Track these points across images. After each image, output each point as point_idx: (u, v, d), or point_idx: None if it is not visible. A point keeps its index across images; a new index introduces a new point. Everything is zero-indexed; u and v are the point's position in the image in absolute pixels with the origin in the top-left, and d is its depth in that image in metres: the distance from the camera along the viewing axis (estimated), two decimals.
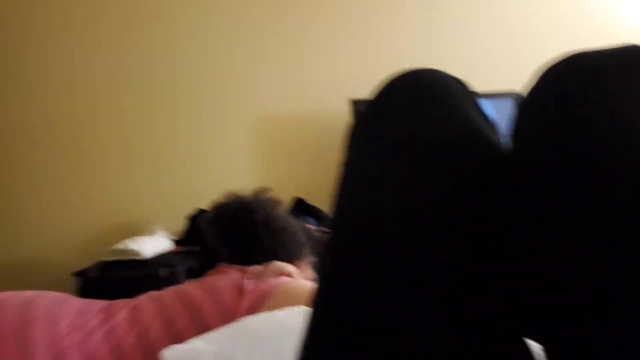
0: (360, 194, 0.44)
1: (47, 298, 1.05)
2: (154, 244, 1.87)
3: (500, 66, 2.25)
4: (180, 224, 2.08)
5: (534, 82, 0.43)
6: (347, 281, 0.40)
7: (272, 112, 2.28)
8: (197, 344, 0.92)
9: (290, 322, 0.97)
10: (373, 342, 0.36)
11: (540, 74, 0.43)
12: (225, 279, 1.11)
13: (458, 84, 0.49)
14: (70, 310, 1.02)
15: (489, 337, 0.35)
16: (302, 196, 2.08)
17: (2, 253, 2.19)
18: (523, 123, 0.43)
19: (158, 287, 1.16)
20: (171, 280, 1.67)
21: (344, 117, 2.08)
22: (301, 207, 1.96)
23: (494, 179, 0.42)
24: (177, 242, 2.00)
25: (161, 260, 1.83)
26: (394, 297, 0.37)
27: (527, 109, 0.43)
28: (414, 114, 0.46)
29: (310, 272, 1.32)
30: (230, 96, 2.27)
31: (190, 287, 1.10)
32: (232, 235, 1.27)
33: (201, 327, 1.01)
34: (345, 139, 0.52)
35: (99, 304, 1.08)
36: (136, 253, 1.79)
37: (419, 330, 0.35)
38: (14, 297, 1.03)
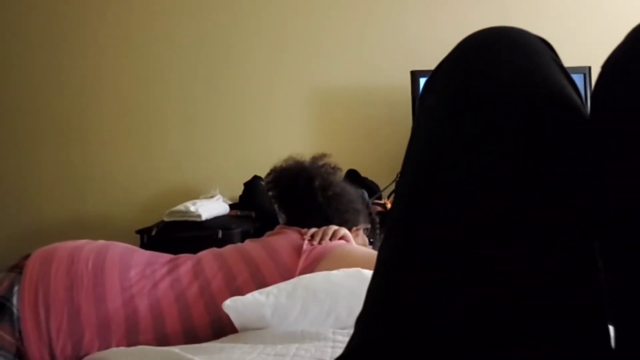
0: (439, 148, 0.44)
1: (120, 247, 1.12)
2: (212, 207, 1.94)
3: (572, 40, 2.16)
4: (236, 189, 2.14)
5: (617, 48, 0.41)
6: (423, 250, 0.40)
7: (330, 83, 2.29)
8: (256, 296, 0.97)
9: (345, 282, 1.00)
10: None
11: (624, 40, 0.41)
12: (284, 239, 1.15)
13: (544, 44, 0.48)
14: (140, 260, 1.09)
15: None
16: (356, 169, 2.09)
17: (72, 210, 2.33)
18: (603, 89, 0.42)
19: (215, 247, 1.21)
20: (227, 242, 1.73)
21: (403, 89, 2.06)
22: (354, 179, 1.98)
23: (577, 142, 0.42)
24: (234, 207, 2.07)
25: (218, 222, 1.90)
26: (481, 257, 0.38)
27: (609, 74, 0.41)
28: (498, 70, 0.44)
29: (364, 239, 1.35)
30: (289, 67, 2.29)
31: (251, 246, 1.15)
32: (290, 199, 1.31)
33: (260, 283, 1.06)
34: (422, 91, 0.51)
35: (165, 256, 1.15)
36: (195, 214, 1.86)
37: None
38: (89, 244, 1.11)
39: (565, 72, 0.46)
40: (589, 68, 1.98)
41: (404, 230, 0.44)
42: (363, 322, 0.44)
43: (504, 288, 0.37)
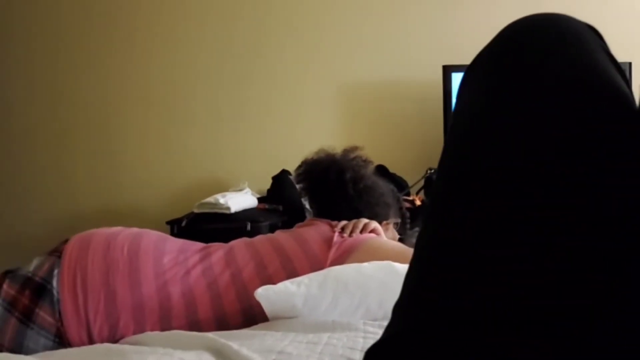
0: (479, 141, 0.43)
1: (154, 235, 1.15)
2: (240, 200, 1.96)
3: (611, 36, 2.11)
4: (265, 183, 2.16)
5: None
6: (462, 240, 0.40)
7: (359, 77, 2.28)
8: (288, 286, 0.97)
9: (375, 274, 1.00)
10: None
11: None
12: (315, 230, 1.16)
13: (591, 30, 0.46)
14: (174, 247, 1.11)
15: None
16: (385, 165, 2.09)
17: (105, 199, 2.38)
18: None
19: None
20: (255, 234, 1.75)
21: (435, 84, 2.04)
22: (383, 175, 1.97)
23: (623, 132, 0.40)
24: (262, 200, 2.09)
25: (247, 215, 1.92)
26: (485, 257, 0.38)
27: None
28: (541, 58, 0.43)
29: (394, 233, 1.35)
30: (318, 61, 2.30)
31: (282, 236, 1.16)
32: (320, 191, 1.31)
33: (290, 273, 1.07)
34: (462, 80, 0.50)
35: (197, 244, 1.17)
36: (224, 207, 1.88)
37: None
38: (124, 231, 1.13)
39: (615, 61, 0.45)
40: (630, 64, 1.93)
41: (430, 227, 0.45)
42: (401, 311, 0.44)
43: (506, 288, 0.37)
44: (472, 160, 0.43)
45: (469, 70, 0.49)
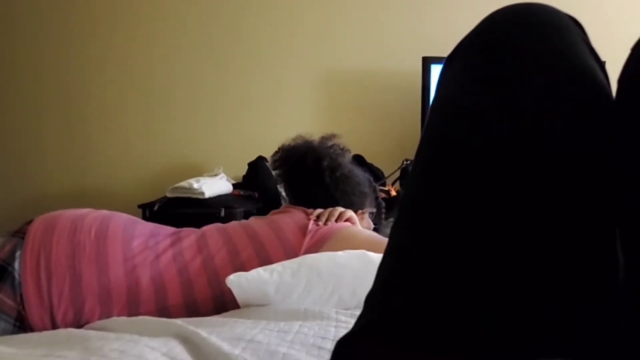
0: (458, 129, 0.43)
1: (123, 218, 1.11)
2: (215, 185, 1.93)
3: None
4: (240, 169, 2.13)
5: None
6: (442, 230, 0.39)
7: (339, 66, 2.26)
8: (260, 273, 0.96)
9: (350, 263, 0.99)
10: None
11: None
12: (290, 218, 1.14)
13: (572, 22, 0.46)
14: (144, 231, 1.08)
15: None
16: (362, 154, 2.08)
17: (74, 182, 2.32)
18: (632, 72, 0.40)
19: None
20: (229, 221, 1.73)
21: (414, 75, 2.03)
22: (359, 165, 1.96)
23: (602, 123, 0.41)
24: (237, 186, 2.06)
25: (221, 201, 1.89)
26: (495, 239, 0.37)
27: (637, 58, 0.40)
28: (523, 47, 0.43)
29: (369, 222, 1.34)
30: (299, 48, 2.27)
31: (256, 223, 1.14)
32: (297, 178, 1.29)
33: (264, 260, 1.05)
34: (442, 68, 0.50)
35: (168, 229, 1.14)
36: (198, 192, 1.85)
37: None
38: (92, 212, 1.10)
39: (595, 53, 0.45)
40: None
41: (405, 217, 0.44)
42: (374, 300, 0.43)
43: (517, 272, 0.36)
44: (451, 149, 0.43)
45: (450, 59, 0.49)
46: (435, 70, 1.94)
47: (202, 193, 1.84)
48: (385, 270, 0.44)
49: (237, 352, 0.69)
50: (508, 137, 0.40)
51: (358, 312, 0.91)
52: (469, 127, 0.42)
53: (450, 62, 0.49)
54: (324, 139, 1.32)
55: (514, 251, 0.36)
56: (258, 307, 0.93)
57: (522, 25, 0.45)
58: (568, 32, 0.45)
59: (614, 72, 0.43)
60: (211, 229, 1.14)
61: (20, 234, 0.98)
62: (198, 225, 1.18)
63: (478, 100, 0.43)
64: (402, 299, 0.39)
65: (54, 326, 0.91)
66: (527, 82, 0.42)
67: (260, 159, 2.06)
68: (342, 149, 1.31)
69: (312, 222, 1.13)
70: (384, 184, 1.94)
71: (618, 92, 0.41)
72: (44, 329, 0.90)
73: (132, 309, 0.97)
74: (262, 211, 1.74)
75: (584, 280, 0.36)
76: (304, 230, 1.11)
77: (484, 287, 0.36)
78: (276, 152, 1.36)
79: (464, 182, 0.40)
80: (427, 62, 1.96)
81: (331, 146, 1.29)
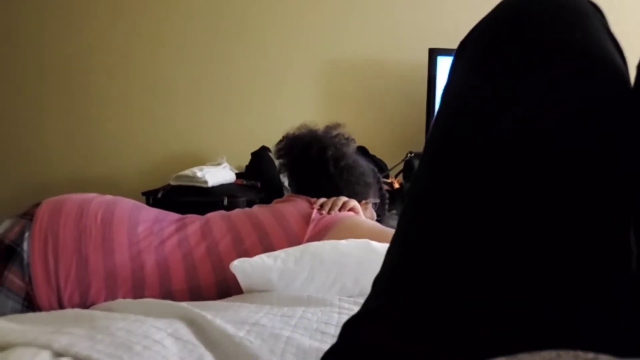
0: (464, 123, 0.42)
1: (129, 203, 1.12)
2: (218, 174, 1.94)
3: None
4: (243, 159, 2.14)
5: None
6: (445, 224, 0.39)
7: (344, 57, 2.26)
8: (264, 259, 0.97)
9: (353, 252, 1.00)
10: None
11: None
12: (293, 206, 1.15)
13: (591, 6, 0.45)
14: (148, 216, 1.09)
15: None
16: (365, 146, 2.08)
17: (79, 170, 2.33)
18: None
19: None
20: (232, 209, 1.73)
21: (420, 67, 2.03)
22: (362, 156, 1.97)
23: (620, 109, 0.40)
24: (240, 176, 2.06)
25: (224, 190, 1.90)
26: (508, 224, 0.37)
27: None
28: (542, 32, 0.43)
29: (372, 213, 1.35)
30: (303, 37, 2.27)
31: (260, 211, 1.15)
32: (301, 167, 1.30)
33: (267, 247, 1.06)
34: (453, 58, 0.49)
35: (173, 215, 1.15)
36: (202, 180, 1.86)
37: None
38: (97, 197, 1.11)
39: (614, 39, 0.44)
40: None
41: (414, 203, 0.44)
42: (380, 286, 0.43)
43: (517, 271, 0.36)
44: (457, 143, 0.43)
45: (460, 49, 0.48)
46: (442, 62, 1.94)
47: (206, 182, 1.85)
48: (392, 257, 0.45)
49: (241, 334, 0.70)
50: (511, 134, 0.40)
51: (361, 300, 0.92)
52: (474, 123, 0.42)
53: (461, 52, 0.48)
54: (329, 128, 1.32)
55: (514, 251, 0.37)
56: (261, 293, 0.94)
57: (539, 9, 0.44)
58: (586, 17, 0.44)
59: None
60: (215, 216, 1.15)
61: (28, 215, 0.99)
62: (201, 213, 1.19)
63: (484, 95, 0.42)
64: (407, 290, 0.40)
65: (61, 307, 0.93)
66: (544, 66, 0.41)
67: (263, 149, 2.07)
68: (347, 139, 1.31)
69: (315, 211, 1.14)
70: (387, 176, 1.95)
71: (637, 79, 0.41)
72: (51, 309, 0.91)
73: (137, 293, 0.98)
74: (265, 201, 1.75)
75: (584, 280, 0.36)
76: (307, 219, 1.12)
77: (483, 284, 0.36)
78: (280, 141, 1.36)
79: (469, 178, 0.40)
80: (433, 53, 1.95)
81: (336, 135, 1.30)
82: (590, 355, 0.25)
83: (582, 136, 0.39)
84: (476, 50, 0.46)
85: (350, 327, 0.41)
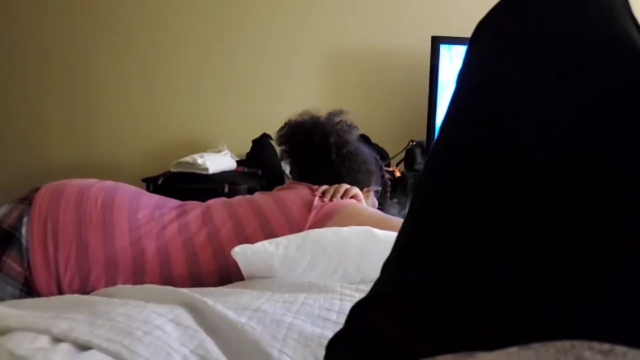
0: (488, 90, 0.41)
1: (129, 189, 1.11)
2: (219, 161, 1.93)
3: None
4: (244, 146, 2.13)
5: None
6: (454, 209, 0.38)
7: (347, 44, 2.24)
8: (266, 245, 0.96)
9: (354, 239, 1.00)
10: None
11: None
12: (295, 194, 1.14)
13: None
14: (149, 203, 1.08)
15: None
16: (367, 134, 2.07)
17: (78, 154, 2.32)
18: None
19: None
20: (233, 197, 1.73)
21: (422, 55, 2.00)
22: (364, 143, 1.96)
23: (616, 112, 0.38)
24: (240, 163, 2.05)
25: (225, 177, 1.89)
26: (520, 209, 0.36)
27: None
28: (563, 13, 0.41)
29: (374, 201, 1.34)
30: (305, 23, 2.25)
31: (261, 198, 1.14)
32: (303, 154, 1.29)
33: (268, 234, 1.05)
34: (474, 32, 0.47)
35: (174, 201, 1.14)
36: (202, 167, 1.85)
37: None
38: (98, 183, 1.10)
39: (636, 21, 0.43)
40: None
41: (426, 186, 0.43)
42: (388, 270, 0.43)
43: (517, 271, 0.35)
44: (472, 126, 0.42)
45: (482, 24, 0.47)
46: (444, 50, 1.92)
47: (206, 169, 1.84)
48: (401, 239, 0.44)
49: (243, 320, 0.70)
50: (533, 99, 0.39)
51: (363, 287, 0.92)
52: (488, 107, 0.41)
53: (484, 27, 0.47)
54: (331, 114, 1.31)
55: (514, 250, 0.36)
56: (263, 279, 0.94)
57: None
58: (611, 2, 0.43)
59: None
60: (216, 202, 1.14)
61: (27, 200, 0.98)
62: (202, 200, 1.18)
63: (514, 69, 0.41)
64: (413, 275, 0.39)
65: (60, 293, 0.92)
66: (566, 47, 0.40)
67: (265, 137, 2.05)
68: (350, 126, 1.30)
69: (317, 198, 1.13)
70: (388, 165, 1.94)
71: None
72: (51, 295, 0.91)
73: (137, 279, 0.98)
74: (266, 188, 1.74)
75: (584, 280, 0.35)
76: (309, 206, 1.11)
77: (483, 283, 0.36)
78: (282, 127, 1.35)
79: (477, 168, 0.39)
80: (436, 41, 1.92)
81: (338, 122, 1.29)
82: (606, 346, 0.24)
83: (580, 139, 0.38)
84: (501, 26, 0.45)
85: (357, 312, 0.41)
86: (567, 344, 0.25)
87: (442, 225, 0.39)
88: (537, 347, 0.26)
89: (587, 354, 0.24)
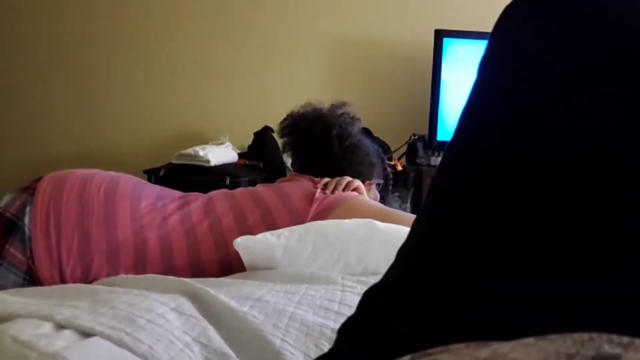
0: (518, 73, 0.40)
1: (132, 179, 1.12)
2: (220, 154, 1.93)
3: None
4: (246, 139, 2.13)
5: None
6: (467, 204, 0.38)
7: (349, 36, 2.23)
8: (268, 236, 0.96)
9: (356, 230, 1.00)
10: None
11: None
12: (297, 185, 1.15)
13: None
14: (152, 193, 1.09)
15: None
16: (369, 127, 2.07)
17: (82, 147, 2.32)
18: None
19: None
20: (234, 189, 1.73)
21: (426, 48, 2.00)
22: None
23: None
24: (242, 156, 2.06)
25: (226, 169, 1.89)
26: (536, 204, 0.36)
27: None
28: (584, 9, 0.40)
29: (375, 194, 1.34)
30: (308, 16, 2.24)
31: (263, 190, 1.15)
32: (305, 146, 1.29)
33: (270, 226, 1.05)
34: (501, 15, 0.45)
35: (176, 192, 1.14)
36: (204, 159, 1.85)
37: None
38: (100, 172, 1.10)
39: None
40: None
41: (444, 172, 0.43)
42: (403, 255, 0.43)
43: (517, 271, 0.35)
44: (495, 117, 0.41)
45: (509, 10, 0.46)
46: (448, 44, 1.91)
47: (208, 161, 1.84)
48: (416, 226, 0.44)
49: (245, 309, 0.70)
50: (531, 125, 0.38)
51: (364, 279, 0.92)
52: (527, 71, 0.40)
53: (511, 12, 0.45)
54: (334, 106, 1.30)
55: (513, 249, 0.36)
56: (264, 270, 0.94)
57: None
58: None
59: None
60: (218, 193, 1.14)
61: (30, 189, 0.98)
62: (203, 192, 1.18)
63: (512, 76, 0.41)
64: (435, 255, 0.39)
65: (63, 282, 0.92)
66: (598, 34, 0.39)
67: (266, 129, 2.05)
68: (352, 118, 1.30)
69: (319, 190, 1.13)
70: (390, 158, 1.94)
71: None
72: (53, 284, 0.91)
73: (139, 269, 0.98)
74: (267, 181, 1.74)
75: (584, 280, 0.35)
76: (310, 198, 1.11)
77: (483, 281, 0.36)
78: (284, 119, 1.35)
79: (489, 163, 0.39)
80: (439, 35, 1.92)
81: (341, 114, 1.28)
82: (626, 339, 0.24)
83: (584, 139, 0.37)
84: (511, 28, 0.44)
85: (368, 298, 0.41)
86: (585, 336, 0.25)
87: (452, 219, 0.39)
88: (555, 338, 0.26)
89: (606, 346, 0.24)
